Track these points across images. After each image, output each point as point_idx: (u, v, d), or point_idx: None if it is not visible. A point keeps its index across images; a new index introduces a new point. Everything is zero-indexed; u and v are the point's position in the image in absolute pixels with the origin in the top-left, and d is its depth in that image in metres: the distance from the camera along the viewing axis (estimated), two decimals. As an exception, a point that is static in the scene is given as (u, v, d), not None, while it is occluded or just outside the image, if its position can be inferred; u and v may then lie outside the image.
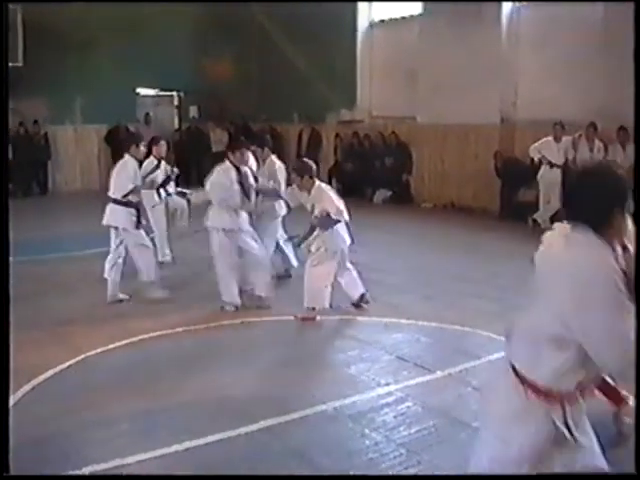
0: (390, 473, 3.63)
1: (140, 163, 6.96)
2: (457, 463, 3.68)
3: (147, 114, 16.44)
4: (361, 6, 14.73)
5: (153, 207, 8.09)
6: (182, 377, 4.87)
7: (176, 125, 17.72)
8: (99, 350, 5.36)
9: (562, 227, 2.32)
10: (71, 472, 3.57)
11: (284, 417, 4.20)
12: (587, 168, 2.47)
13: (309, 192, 6.14)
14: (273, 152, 7.55)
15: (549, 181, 10.54)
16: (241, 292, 6.56)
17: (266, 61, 16.48)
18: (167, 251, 8.41)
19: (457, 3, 11.99)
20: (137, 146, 6.72)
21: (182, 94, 17.47)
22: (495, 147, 11.95)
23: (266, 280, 6.60)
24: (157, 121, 16.66)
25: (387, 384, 4.76)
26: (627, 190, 2.23)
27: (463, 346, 5.57)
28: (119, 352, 5.38)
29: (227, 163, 6.48)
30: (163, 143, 8.22)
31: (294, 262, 7.53)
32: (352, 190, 13.11)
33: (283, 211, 7.37)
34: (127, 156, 6.71)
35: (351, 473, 3.63)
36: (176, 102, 17.79)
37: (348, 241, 6.20)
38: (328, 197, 6.08)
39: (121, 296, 6.74)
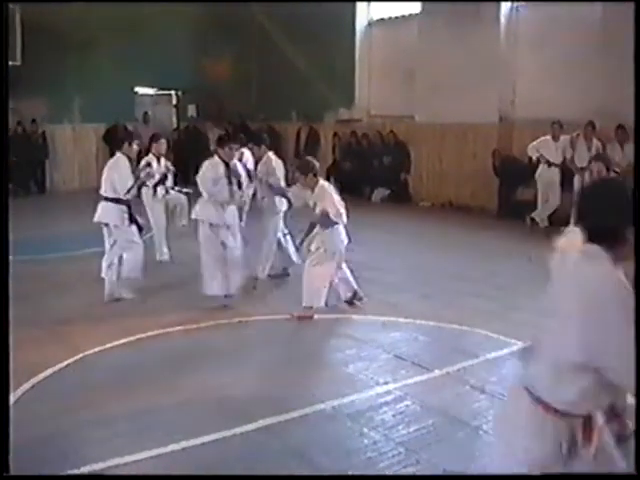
0: (389, 472, 3.62)
1: (134, 161, 6.94)
2: (456, 462, 3.70)
3: (145, 113, 16.44)
4: (360, 5, 14.73)
5: (153, 198, 8.11)
6: (180, 376, 4.87)
7: (174, 124, 17.72)
8: (97, 349, 5.37)
9: (575, 238, 2.28)
10: (70, 471, 3.57)
11: (282, 416, 4.20)
12: (601, 185, 2.45)
13: (312, 190, 6.18)
14: (270, 150, 7.57)
15: (547, 180, 10.57)
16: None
17: (266, 61, 16.46)
18: (165, 250, 8.39)
19: (455, 2, 11.99)
20: (130, 144, 6.71)
21: (180, 93, 17.49)
22: (493, 146, 11.95)
23: (236, 280, 6.60)
24: (155, 120, 16.68)
25: (385, 383, 4.77)
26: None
27: (461, 345, 5.58)
28: (117, 351, 5.39)
29: (216, 158, 6.49)
30: (163, 141, 8.23)
31: (295, 258, 7.53)
32: (350, 189, 13.02)
33: (284, 207, 7.39)
34: (119, 154, 6.70)
35: (350, 472, 3.63)
36: (174, 101, 17.80)
37: (346, 241, 6.22)
38: (330, 198, 6.11)
39: (125, 295, 6.74)
